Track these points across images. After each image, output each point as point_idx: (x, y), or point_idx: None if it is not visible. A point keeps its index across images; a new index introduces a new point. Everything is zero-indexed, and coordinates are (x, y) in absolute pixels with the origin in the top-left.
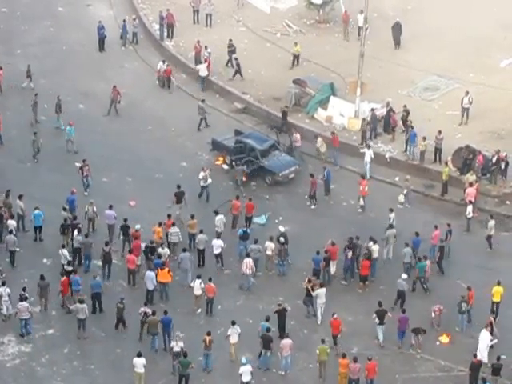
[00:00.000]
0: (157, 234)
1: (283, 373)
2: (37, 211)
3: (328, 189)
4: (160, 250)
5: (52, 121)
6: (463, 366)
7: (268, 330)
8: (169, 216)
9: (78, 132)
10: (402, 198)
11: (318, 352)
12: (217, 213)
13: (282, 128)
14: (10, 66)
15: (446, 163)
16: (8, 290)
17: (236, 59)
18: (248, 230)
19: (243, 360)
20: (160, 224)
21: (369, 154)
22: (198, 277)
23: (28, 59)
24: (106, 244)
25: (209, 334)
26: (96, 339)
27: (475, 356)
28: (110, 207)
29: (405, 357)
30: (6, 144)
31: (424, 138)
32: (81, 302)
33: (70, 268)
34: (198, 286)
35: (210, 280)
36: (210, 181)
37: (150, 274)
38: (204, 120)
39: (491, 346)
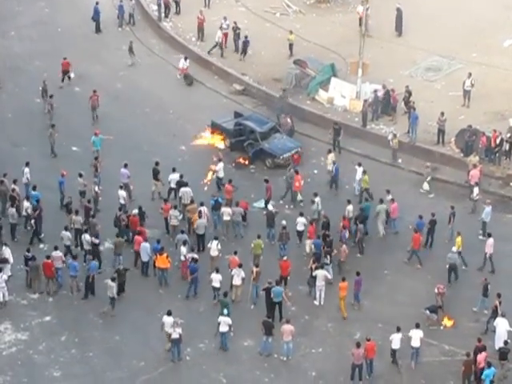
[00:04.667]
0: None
1: (285, 358)
2: (34, 192)
3: (335, 183)
4: (182, 248)
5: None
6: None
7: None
8: (165, 200)
9: (74, 115)
10: (426, 185)
11: (252, 246)
12: (186, 184)
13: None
14: (4, 48)
15: (365, 172)
16: (5, 276)
17: (245, 37)
18: (220, 199)
19: (225, 311)
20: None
21: (360, 172)
22: (216, 238)
23: (22, 41)
24: (120, 209)
25: (257, 265)
26: (94, 326)
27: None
28: (125, 166)
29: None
30: (0, 127)
31: (395, 135)
32: (112, 279)
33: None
34: (214, 248)
35: (235, 253)
36: (222, 174)
37: (145, 245)
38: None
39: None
